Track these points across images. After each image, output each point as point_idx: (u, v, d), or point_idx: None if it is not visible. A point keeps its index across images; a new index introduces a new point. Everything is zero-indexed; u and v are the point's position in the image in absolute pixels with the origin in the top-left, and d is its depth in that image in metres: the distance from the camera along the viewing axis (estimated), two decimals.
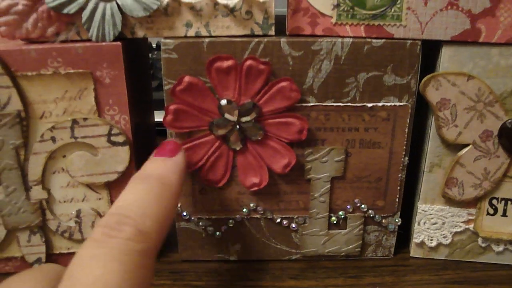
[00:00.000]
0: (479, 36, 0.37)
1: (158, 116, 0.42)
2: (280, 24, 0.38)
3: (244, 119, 0.37)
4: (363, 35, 0.37)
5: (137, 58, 0.43)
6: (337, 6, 0.36)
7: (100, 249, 0.24)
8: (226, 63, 0.36)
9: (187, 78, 0.36)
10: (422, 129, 0.41)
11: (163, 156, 0.32)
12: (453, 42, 0.37)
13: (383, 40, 0.37)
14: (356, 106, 0.38)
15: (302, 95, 0.37)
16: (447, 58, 0.37)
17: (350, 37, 0.37)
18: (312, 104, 0.38)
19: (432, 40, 0.37)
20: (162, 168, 0.30)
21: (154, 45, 0.78)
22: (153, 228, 0.26)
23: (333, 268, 0.42)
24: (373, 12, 0.36)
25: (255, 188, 0.39)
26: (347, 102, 0.38)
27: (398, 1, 0.36)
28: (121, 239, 0.25)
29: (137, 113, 0.42)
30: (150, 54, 0.71)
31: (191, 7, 0.36)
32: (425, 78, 0.37)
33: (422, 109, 0.40)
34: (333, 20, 0.37)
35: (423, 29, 0.37)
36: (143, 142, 0.45)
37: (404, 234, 0.44)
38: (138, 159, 0.40)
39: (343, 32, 0.37)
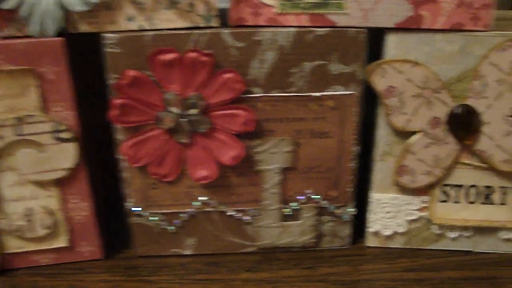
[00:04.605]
0: (421, 23, 0.37)
1: None
2: (226, 16, 0.38)
3: (190, 111, 0.37)
4: (307, 24, 0.37)
5: (88, 54, 0.42)
6: None
7: None
8: (169, 56, 0.36)
9: (131, 72, 0.36)
10: (373, 117, 0.41)
11: None
12: (397, 29, 0.37)
13: (327, 29, 0.36)
14: (303, 95, 0.38)
15: (248, 86, 0.37)
16: (392, 45, 0.37)
17: (294, 26, 0.37)
18: (258, 95, 0.38)
19: (378, 27, 0.37)
20: None
21: None
22: None
23: (289, 260, 0.42)
24: (316, 1, 0.36)
25: (205, 181, 0.39)
26: (293, 92, 0.38)
27: None
28: None
29: (89, 109, 0.41)
30: None
31: (133, 1, 0.36)
32: (369, 66, 0.37)
33: (373, 97, 0.40)
34: (276, 10, 0.37)
35: (366, 17, 0.37)
36: (101, 139, 0.44)
37: (362, 223, 0.44)
38: (95, 156, 0.40)
39: (287, 21, 0.37)
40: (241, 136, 0.38)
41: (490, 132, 0.38)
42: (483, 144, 0.39)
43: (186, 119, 0.37)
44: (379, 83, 0.38)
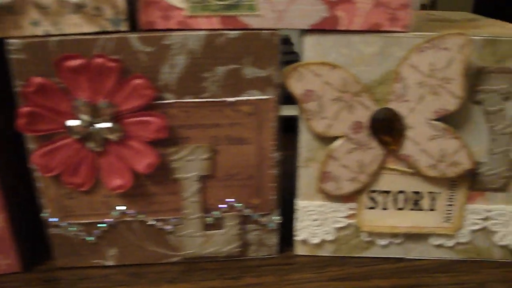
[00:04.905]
0: (337, 24, 0.35)
1: None
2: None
3: (100, 119, 0.36)
4: (219, 27, 0.35)
5: None
6: None
7: None
8: (75, 62, 0.34)
9: (36, 79, 0.35)
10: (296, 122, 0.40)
11: None
12: (314, 30, 0.35)
13: (239, 32, 0.35)
14: (217, 101, 0.36)
15: (159, 92, 0.36)
16: (309, 48, 0.36)
17: (204, 29, 0.35)
18: (170, 101, 0.36)
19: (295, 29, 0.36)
20: None
21: None
22: None
23: (213, 270, 0.40)
24: (226, 2, 0.35)
25: (120, 190, 0.37)
26: (207, 98, 0.36)
27: None
28: None
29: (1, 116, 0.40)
30: None
31: (37, 5, 0.35)
32: (285, 70, 0.36)
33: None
34: (186, 13, 0.35)
35: (279, 18, 0.35)
36: (16, 147, 0.43)
37: (291, 231, 0.42)
38: (9, 165, 0.39)
39: (198, 24, 0.35)
40: (156, 143, 0.37)
41: (414, 136, 0.37)
42: (408, 148, 0.37)
43: (97, 127, 0.36)
44: (296, 87, 0.36)
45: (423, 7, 0.81)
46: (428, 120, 0.37)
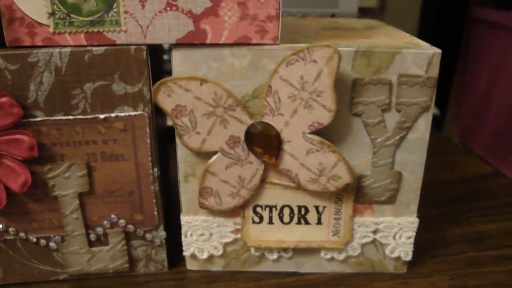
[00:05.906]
0: (205, 38, 0.35)
1: None
2: None
3: None
4: (84, 43, 0.35)
5: None
6: (53, 14, 0.34)
7: None
8: None
9: None
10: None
11: None
12: (182, 45, 0.35)
13: (104, 48, 0.35)
14: (88, 118, 0.36)
15: (29, 110, 0.35)
16: (178, 62, 0.35)
17: (69, 46, 0.35)
18: (40, 119, 0.36)
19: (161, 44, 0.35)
20: None
21: None
22: None
23: (101, 287, 0.40)
24: (90, 18, 0.34)
25: None
26: (77, 115, 0.36)
27: (115, 5, 0.34)
28: None
29: None
30: None
31: None
32: (154, 85, 0.35)
33: None
34: (51, 29, 0.35)
35: (145, 33, 0.35)
36: None
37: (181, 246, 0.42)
38: None
39: (64, 41, 0.35)
40: (31, 161, 0.36)
41: (292, 150, 0.36)
42: (287, 163, 0.37)
43: None
44: (166, 102, 0.36)
45: (371, 11, 0.80)
46: (304, 133, 0.36)
